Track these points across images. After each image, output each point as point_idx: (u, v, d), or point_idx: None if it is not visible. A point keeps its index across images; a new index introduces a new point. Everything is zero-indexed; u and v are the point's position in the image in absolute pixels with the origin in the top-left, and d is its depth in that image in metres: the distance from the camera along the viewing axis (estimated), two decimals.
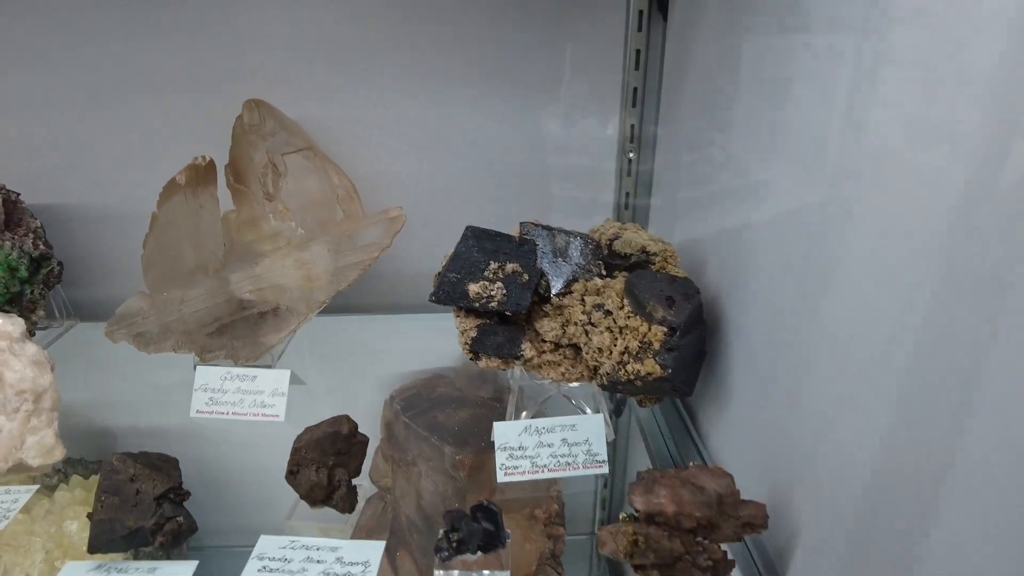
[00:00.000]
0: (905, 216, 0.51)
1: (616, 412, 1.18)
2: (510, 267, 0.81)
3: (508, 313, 0.81)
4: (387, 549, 1.09)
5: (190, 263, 0.97)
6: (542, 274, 0.84)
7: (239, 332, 1.01)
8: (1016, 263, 0.41)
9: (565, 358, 0.86)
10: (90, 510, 0.85)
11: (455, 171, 1.17)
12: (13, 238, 1.00)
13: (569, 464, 0.83)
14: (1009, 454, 0.42)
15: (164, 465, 0.75)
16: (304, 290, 0.98)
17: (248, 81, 1.09)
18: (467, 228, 0.82)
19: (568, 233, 0.86)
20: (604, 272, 0.85)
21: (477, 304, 0.81)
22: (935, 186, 0.48)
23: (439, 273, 0.88)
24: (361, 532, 1.05)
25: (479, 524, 0.68)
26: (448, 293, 0.82)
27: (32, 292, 1.02)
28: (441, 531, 0.70)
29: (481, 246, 0.81)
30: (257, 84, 1.09)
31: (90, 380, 1.18)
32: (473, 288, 0.80)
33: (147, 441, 1.07)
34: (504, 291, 0.79)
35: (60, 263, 1.05)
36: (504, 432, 0.83)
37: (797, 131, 0.68)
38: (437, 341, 1.29)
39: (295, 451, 0.75)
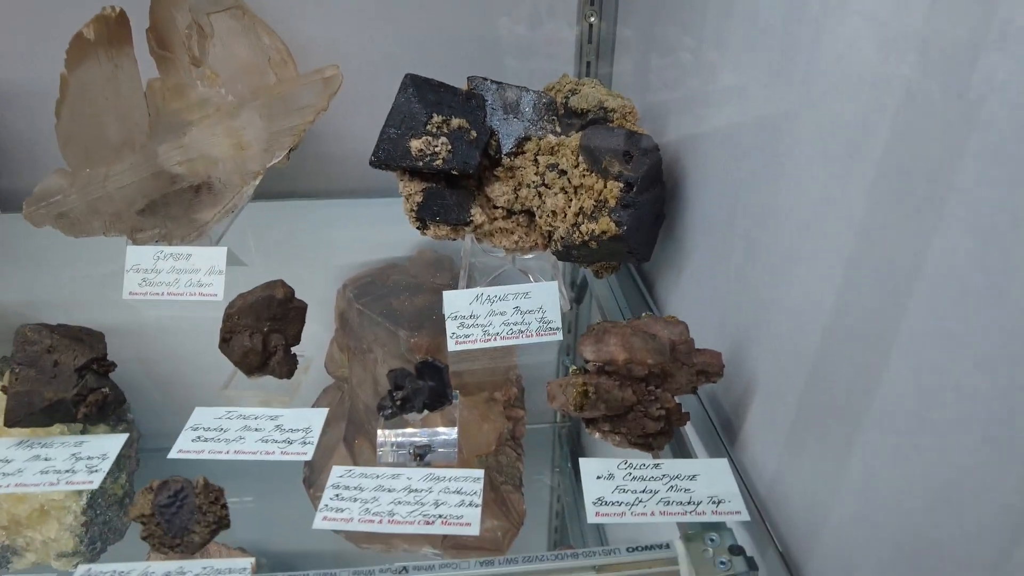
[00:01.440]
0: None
1: (577, 300, 1.15)
2: (456, 122, 0.75)
3: (455, 172, 0.75)
4: (345, 438, 1.07)
5: (113, 135, 0.89)
6: (492, 133, 0.78)
7: (172, 211, 0.94)
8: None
9: (519, 225, 0.82)
10: None
11: (400, 36, 1.07)
12: None
13: (522, 332, 0.80)
14: (960, 300, 0.39)
15: (87, 337, 0.70)
16: (236, 160, 0.91)
17: None
18: (406, 76, 0.75)
19: (520, 88, 0.80)
20: (559, 129, 0.79)
21: (420, 163, 0.75)
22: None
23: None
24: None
25: (424, 382, 0.64)
26: (388, 152, 0.75)
27: None
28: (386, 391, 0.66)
29: (422, 96, 0.74)
30: None
31: (13, 275, 1.10)
32: (415, 144, 0.74)
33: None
34: (449, 147, 0.73)
35: None
36: (454, 301, 0.79)
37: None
38: (388, 228, 1.23)
39: (227, 317, 0.71)
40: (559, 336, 0.80)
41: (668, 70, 0.85)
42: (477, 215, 0.78)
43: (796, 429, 0.59)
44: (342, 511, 0.60)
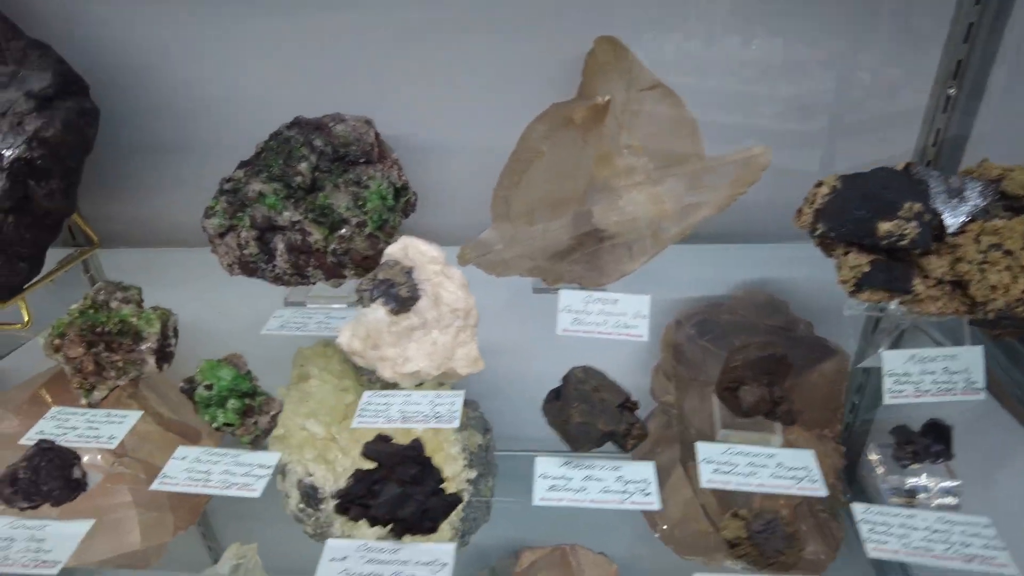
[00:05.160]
0: None
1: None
2: (917, 207, 0.86)
3: (917, 251, 0.86)
4: (681, 460, 1.20)
5: (557, 197, 1.04)
6: (935, 214, 0.88)
7: (589, 261, 1.09)
8: None
9: (944, 294, 0.92)
10: None
11: (752, 100, 1.20)
12: (382, 170, 1.09)
13: (949, 390, 0.90)
14: None
15: (607, 379, 0.85)
16: (655, 223, 1.05)
17: (571, 15, 1.12)
18: (881, 168, 0.87)
19: (961, 176, 0.90)
20: (1001, 214, 0.89)
21: (883, 242, 0.86)
22: None
23: (818, 209, 0.94)
24: (649, 440, 1.15)
25: (929, 439, 0.76)
26: (852, 231, 0.87)
27: (393, 220, 1.12)
28: (894, 443, 0.78)
29: (895, 185, 0.86)
30: (574, 19, 1.12)
31: None
32: (884, 226, 0.85)
33: (505, 358, 1.17)
34: (919, 230, 0.85)
35: (415, 193, 1.14)
36: (892, 359, 0.91)
37: None
38: (702, 270, 1.35)
39: (731, 369, 0.84)
40: (982, 396, 0.90)
41: None
42: (917, 285, 0.89)
43: None
44: (886, 542, 0.72)
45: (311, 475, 1.16)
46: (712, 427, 1.05)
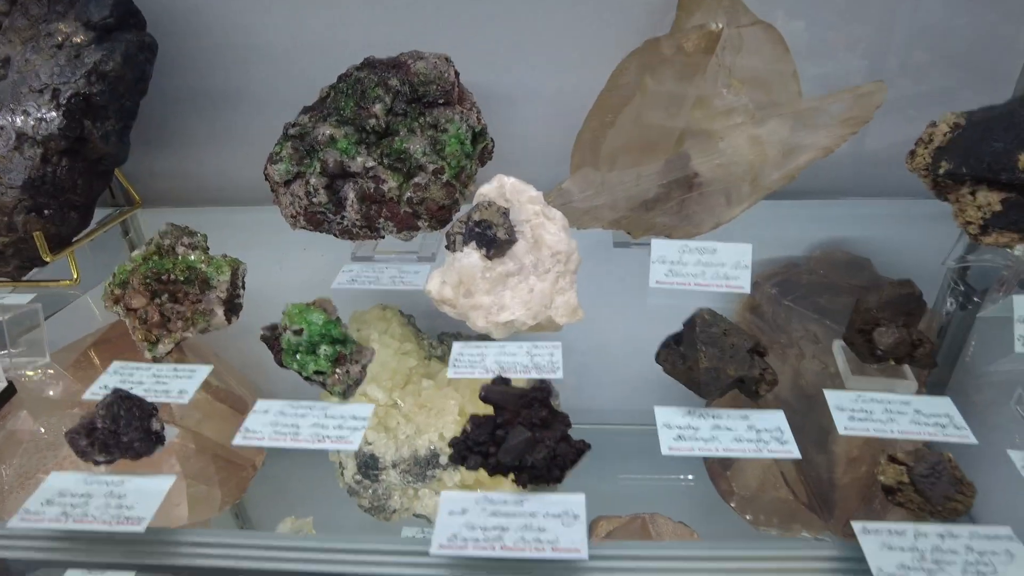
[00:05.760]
0: None
1: (961, 307, 1.18)
2: None
3: None
4: None
5: (646, 139, 0.98)
6: None
7: (675, 212, 1.03)
8: None
9: None
10: None
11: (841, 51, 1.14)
12: (461, 112, 1.02)
13: None
14: None
15: (732, 322, 0.79)
16: (754, 170, 0.99)
17: None
18: (1018, 99, 0.81)
19: None
20: None
21: None
22: None
23: (940, 147, 0.88)
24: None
25: None
26: (990, 165, 0.81)
27: (470, 168, 1.05)
28: None
29: None
30: None
31: None
32: None
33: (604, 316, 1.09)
34: None
35: (492, 139, 1.07)
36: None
37: None
38: (768, 228, 1.28)
39: (863, 311, 0.78)
40: None
41: None
42: None
43: None
44: None
45: (370, 444, 1.10)
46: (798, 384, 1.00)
